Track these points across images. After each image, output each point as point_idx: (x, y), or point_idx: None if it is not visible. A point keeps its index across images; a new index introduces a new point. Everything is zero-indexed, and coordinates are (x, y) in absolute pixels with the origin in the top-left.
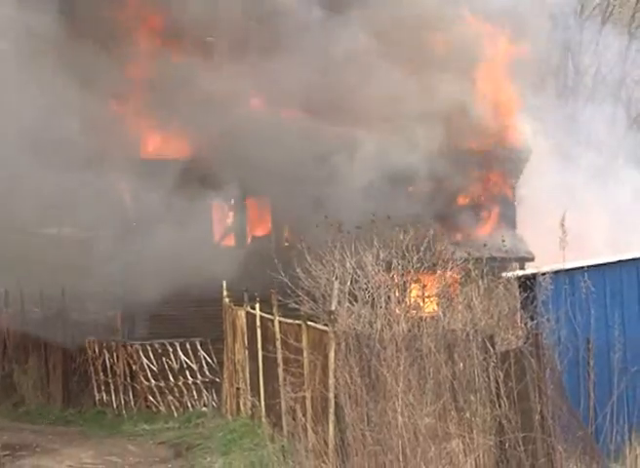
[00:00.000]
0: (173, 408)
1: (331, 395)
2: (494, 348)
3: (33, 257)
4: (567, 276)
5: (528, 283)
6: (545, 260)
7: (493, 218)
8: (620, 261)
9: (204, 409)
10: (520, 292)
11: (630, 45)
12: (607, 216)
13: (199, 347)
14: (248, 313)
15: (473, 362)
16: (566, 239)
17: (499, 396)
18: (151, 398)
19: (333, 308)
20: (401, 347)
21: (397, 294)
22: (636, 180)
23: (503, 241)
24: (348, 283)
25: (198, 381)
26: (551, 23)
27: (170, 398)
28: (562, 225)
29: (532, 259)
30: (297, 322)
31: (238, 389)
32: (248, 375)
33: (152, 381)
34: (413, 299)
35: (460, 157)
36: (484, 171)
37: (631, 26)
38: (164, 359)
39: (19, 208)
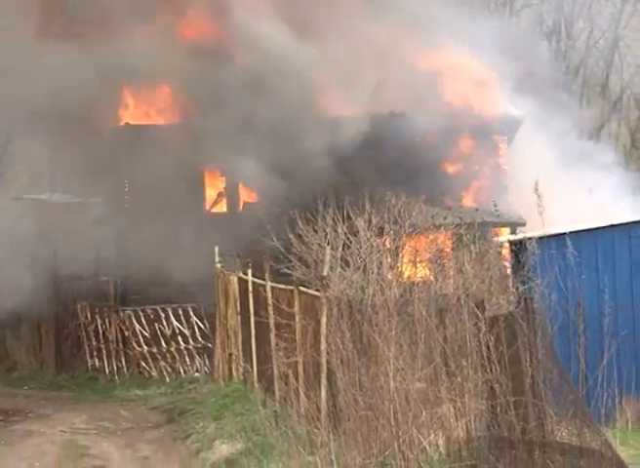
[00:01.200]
0: (165, 373)
1: (323, 360)
2: (485, 313)
3: (25, 223)
4: (556, 240)
5: (518, 248)
6: (537, 227)
7: (484, 185)
8: (612, 226)
9: (196, 374)
10: (511, 257)
11: (623, 9)
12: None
13: (191, 313)
14: (240, 279)
15: (465, 326)
16: (542, 204)
17: (490, 360)
18: (144, 363)
19: (325, 274)
20: (393, 312)
21: (389, 260)
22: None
23: (495, 206)
24: (340, 248)
25: (190, 347)
26: None
27: (162, 363)
28: (536, 190)
29: (523, 224)
30: (289, 287)
31: (230, 355)
32: (240, 341)
33: (145, 347)
34: (405, 264)
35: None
36: (475, 138)
37: None
38: (156, 325)
39: (10, 172)
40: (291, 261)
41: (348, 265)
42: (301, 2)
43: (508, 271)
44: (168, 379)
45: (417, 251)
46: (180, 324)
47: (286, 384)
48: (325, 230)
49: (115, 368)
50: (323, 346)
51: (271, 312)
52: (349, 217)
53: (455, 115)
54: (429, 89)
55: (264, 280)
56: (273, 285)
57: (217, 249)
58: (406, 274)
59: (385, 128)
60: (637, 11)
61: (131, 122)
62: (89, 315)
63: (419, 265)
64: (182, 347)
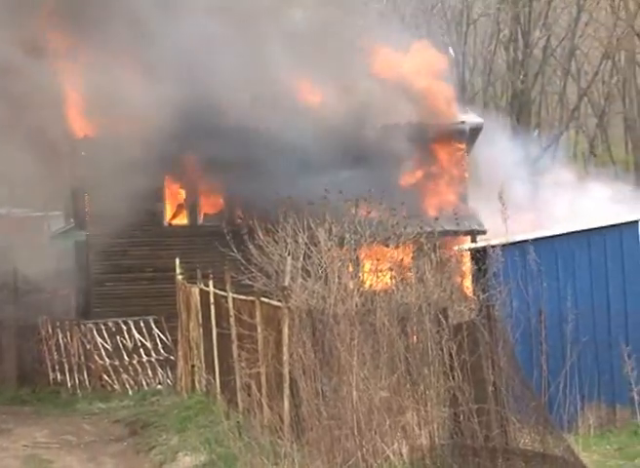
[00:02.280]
0: (127, 386)
1: (285, 370)
2: (447, 321)
3: None
4: (518, 248)
5: (479, 255)
6: (498, 235)
7: (444, 192)
8: (570, 233)
9: (159, 386)
10: (472, 265)
11: (579, 17)
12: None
13: (153, 325)
14: (201, 290)
15: (427, 335)
16: (506, 211)
17: (452, 368)
18: (106, 377)
19: (286, 284)
20: (355, 321)
21: (350, 269)
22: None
23: (456, 215)
24: (301, 258)
25: (153, 359)
26: None
27: (124, 376)
28: (500, 197)
29: (484, 232)
30: (250, 298)
31: (193, 366)
32: (202, 353)
33: (107, 360)
34: (366, 274)
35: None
36: (435, 144)
37: None
38: (118, 337)
39: None
40: (252, 272)
41: (310, 275)
42: None
43: (469, 279)
44: (130, 392)
45: (377, 260)
46: (142, 336)
47: (249, 395)
48: (285, 241)
49: (77, 381)
50: (285, 357)
51: (233, 323)
52: (309, 227)
53: (413, 123)
54: (387, 96)
55: (226, 291)
56: (235, 296)
57: (177, 260)
58: (367, 283)
59: (345, 133)
60: (593, 19)
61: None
62: (50, 329)
63: (380, 274)
64: (145, 360)
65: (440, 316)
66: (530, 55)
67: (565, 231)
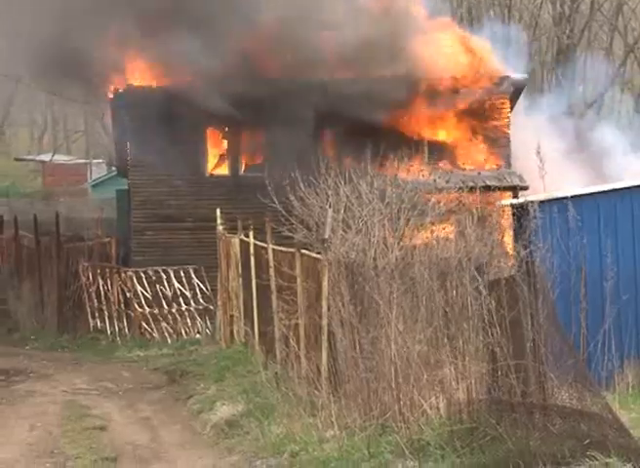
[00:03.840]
0: (166, 334)
1: (324, 322)
2: (486, 276)
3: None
4: (559, 204)
5: (520, 211)
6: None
7: (487, 148)
8: (613, 190)
9: (197, 336)
10: (513, 221)
11: None
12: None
13: (193, 275)
14: (242, 241)
15: (466, 290)
16: (544, 167)
17: (491, 324)
18: (145, 325)
19: (326, 236)
20: (394, 275)
21: (391, 223)
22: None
23: (498, 169)
24: (342, 211)
25: (192, 309)
26: None
27: (164, 325)
28: (538, 153)
29: (526, 188)
30: (290, 250)
31: (232, 316)
32: (242, 303)
33: (146, 308)
34: (407, 228)
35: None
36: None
37: None
38: (158, 286)
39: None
40: (292, 224)
41: (350, 228)
42: None
43: (510, 235)
44: (169, 341)
45: (420, 213)
46: (182, 285)
47: (287, 346)
48: (327, 193)
49: (117, 329)
50: (324, 309)
51: (273, 274)
52: (351, 180)
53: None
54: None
55: (266, 242)
56: (275, 247)
57: (218, 211)
58: (408, 237)
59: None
60: None
61: (134, 84)
62: (91, 276)
63: (420, 228)
64: (184, 309)
65: (480, 271)
66: (576, 9)
67: (607, 188)
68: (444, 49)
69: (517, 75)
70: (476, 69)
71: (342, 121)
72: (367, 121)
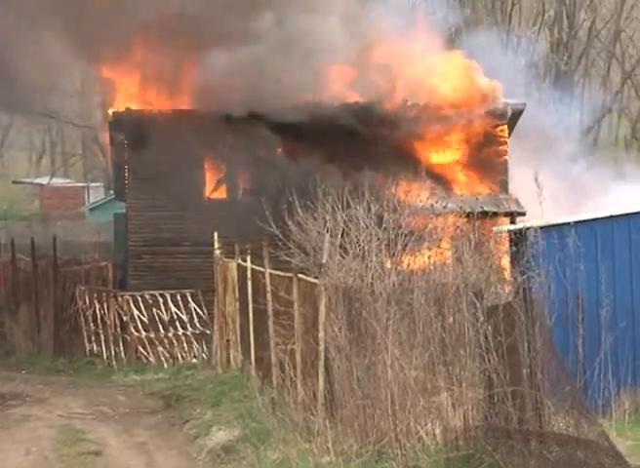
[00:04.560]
0: (163, 359)
1: (320, 348)
2: (483, 302)
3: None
4: (557, 231)
5: (518, 237)
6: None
7: (485, 174)
8: (611, 216)
9: (194, 360)
10: (510, 247)
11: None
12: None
13: (190, 299)
14: (239, 265)
15: (463, 316)
16: (542, 194)
17: (488, 350)
18: (141, 349)
19: (324, 261)
20: (391, 301)
21: (388, 248)
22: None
23: (495, 196)
24: (339, 236)
25: (188, 333)
26: None
27: (160, 349)
28: (536, 180)
29: (523, 214)
30: (288, 274)
31: (228, 341)
32: (238, 328)
33: (143, 332)
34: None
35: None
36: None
37: None
38: (154, 310)
39: (11, 157)
40: (290, 248)
41: (347, 253)
42: None
43: (508, 260)
44: (166, 365)
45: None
46: (179, 309)
47: (283, 372)
48: (324, 217)
49: (113, 353)
50: (321, 334)
51: (270, 299)
52: (349, 205)
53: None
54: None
55: (263, 266)
56: (272, 272)
57: (216, 235)
58: (405, 263)
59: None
60: (639, 2)
61: (132, 107)
62: (87, 299)
63: (418, 253)
64: (180, 333)
65: (477, 297)
66: (574, 36)
67: (605, 214)
68: (443, 75)
69: (515, 101)
70: (474, 95)
71: (340, 146)
72: (365, 146)
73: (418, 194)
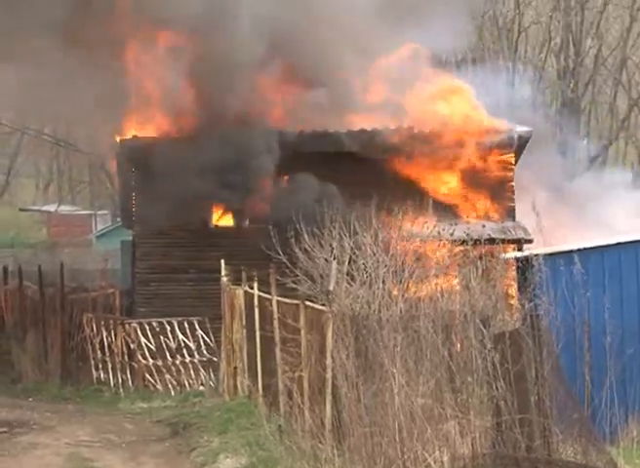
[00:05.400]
0: (170, 386)
1: (328, 375)
2: (491, 329)
3: (32, 235)
4: (563, 258)
5: (525, 264)
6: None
7: (491, 202)
8: (618, 244)
9: (201, 388)
10: (517, 274)
11: (631, 27)
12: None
13: (197, 326)
14: (246, 292)
15: (470, 343)
16: (541, 222)
17: (495, 377)
18: (149, 376)
19: (331, 288)
20: (398, 328)
21: (395, 275)
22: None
23: (502, 223)
24: (347, 263)
25: (196, 360)
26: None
27: (167, 377)
28: (534, 208)
29: (530, 241)
30: (294, 302)
31: (235, 368)
32: (245, 355)
33: (150, 360)
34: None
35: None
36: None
37: (633, 8)
38: (162, 337)
39: (19, 184)
40: (297, 276)
41: (354, 280)
42: None
43: (515, 287)
44: (173, 393)
45: (423, 266)
46: (186, 337)
47: (290, 399)
48: (331, 245)
49: (120, 380)
50: (328, 361)
51: (277, 326)
52: (356, 232)
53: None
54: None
55: (270, 294)
56: (279, 299)
57: (223, 262)
58: (412, 290)
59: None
60: None
61: (138, 135)
62: (94, 327)
63: (424, 281)
64: (188, 360)
65: (484, 324)
66: (581, 64)
67: (613, 242)
68: (449, 102)
69: (522, 128)
70: (481, 122)
71: (347, 172)
72: (371, 173)
73: (424, 221)
